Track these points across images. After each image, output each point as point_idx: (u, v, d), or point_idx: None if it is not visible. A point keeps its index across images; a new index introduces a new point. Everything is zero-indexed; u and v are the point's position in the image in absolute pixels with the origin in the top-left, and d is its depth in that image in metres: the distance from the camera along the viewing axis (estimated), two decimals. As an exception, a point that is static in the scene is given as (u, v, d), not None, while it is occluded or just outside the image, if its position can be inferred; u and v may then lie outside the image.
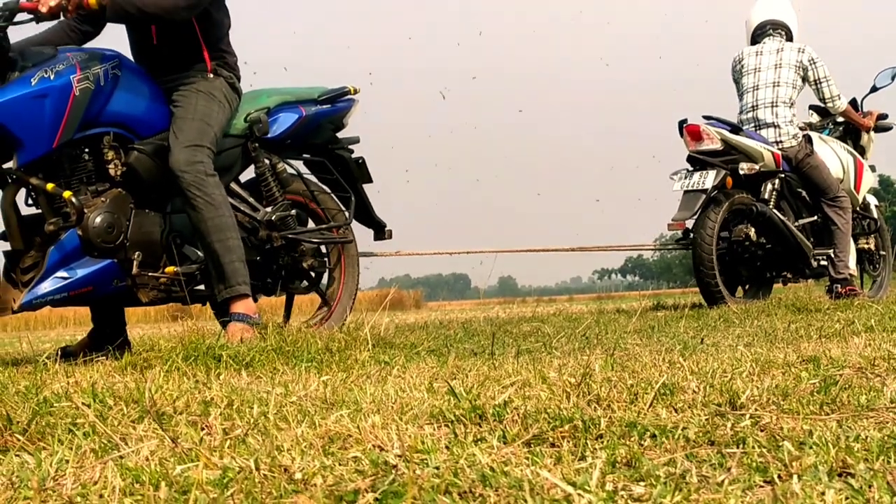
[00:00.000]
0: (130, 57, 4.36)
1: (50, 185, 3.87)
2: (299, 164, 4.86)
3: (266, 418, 1.90)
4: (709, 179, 6.76)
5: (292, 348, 3.37)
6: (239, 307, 4.05)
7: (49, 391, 2.20)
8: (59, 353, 4.16)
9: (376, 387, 2.40)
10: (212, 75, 4.30)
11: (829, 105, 7.38)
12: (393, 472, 1.35)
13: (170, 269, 4.17)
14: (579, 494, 1.16)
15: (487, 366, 2.84)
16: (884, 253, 8.19)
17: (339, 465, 1.45)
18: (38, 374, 2.82)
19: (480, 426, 1.77)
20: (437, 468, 1.38)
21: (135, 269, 4.06)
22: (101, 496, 1.34)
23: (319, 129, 4.80)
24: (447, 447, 1.59)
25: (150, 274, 4.13)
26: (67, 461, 1.55)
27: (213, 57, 4.34)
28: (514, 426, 1.73)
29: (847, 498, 1.18)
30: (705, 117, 7.13)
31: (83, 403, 2.00)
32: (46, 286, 3.86)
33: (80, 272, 3.92)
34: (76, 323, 14.06)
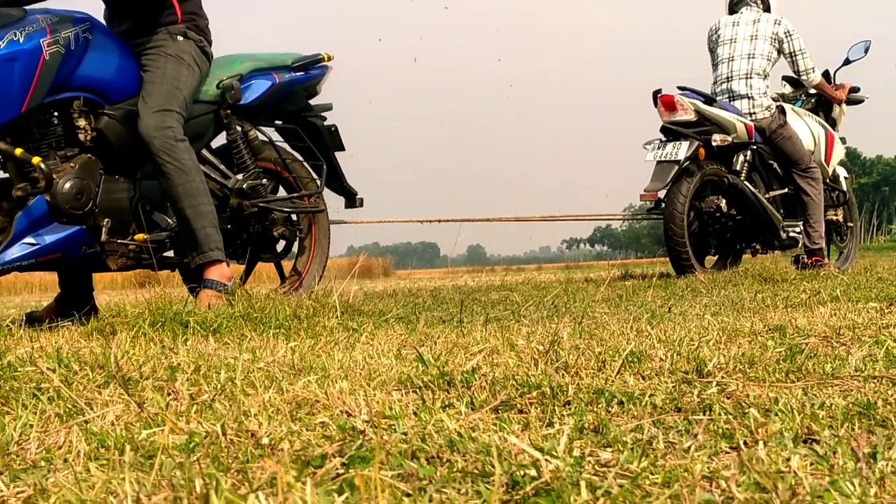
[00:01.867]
0: (102, 19, 4.29)
1: (18, 151, 3.79)
2: (271, 132, 4.84)
3: (233, 384, 1.89)
4: (682, 150, 6.77)
5: (260, 315, 3.36)
6: (212, 273, 4.01)
7: (13, 356, 2.18)
8: (25, 318, 4.12)
9: (344, 353, 2.40)
10: (181, 38, 4.24)
11: (804, 78, 7.41)
12: (360, 437, 1.34)
13: (139, 236, 4.12)
14: (547, 460, 1.16)
15: (456, 333, 2.85)
16: (851, 224, 8.26)
17: (307, 430, 1.45)
18: (1, 339, 2.79)
19: (448, 392, 1.78)
20: (405, 434, 1.38)
21: (104, 236, 4.01)
22: (65, 460, 1.33)
23: (293, 97, 4.78)
24: (415, 413, 1.59)
25: (119, 241, 4.08)
26: (31, 426, 1.54)
27: (185, 19, 4.28)
28: (482, 393, 1.73)
29: (812, 464, 1.19)
30: (680, 88, 7.14)
31: (48, 368, 1.99)
32: (14, 252, 3.80)
33: (49, 238, 3.87)
34: (41, 289, 13.96)
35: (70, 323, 3.60)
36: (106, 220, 4.02)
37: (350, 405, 1.61)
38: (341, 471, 1.19)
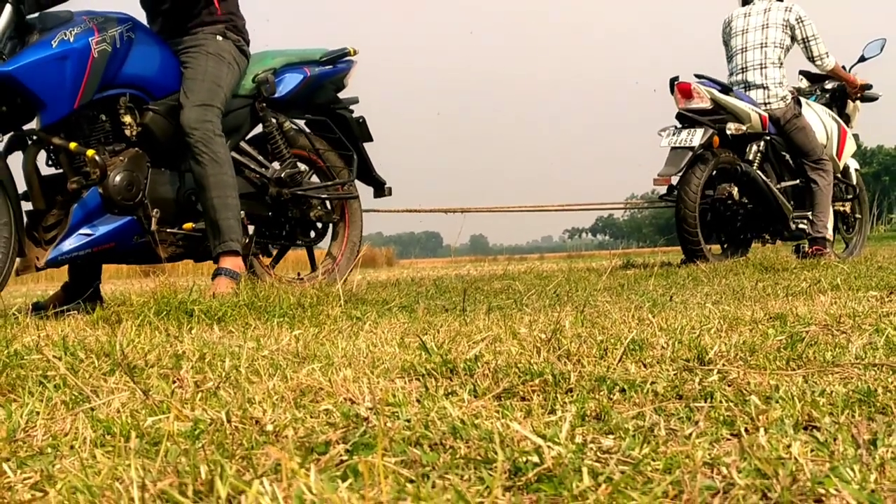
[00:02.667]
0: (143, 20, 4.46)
1: (73, 145, 3.96)
2: (302, 124, 5.01)
3: (238, 371, 1.90)
4: (696, 137, 6.81)
5: (264, 303, 3.37)
6: (228, 263, 4.14)
7: (20, 344, 2.20)
8: (31, 307, 4.15)
9: (348, 341, 2.41)
10: (220, 37, 4.40)
11: (818, 63, 7.40)
12: (364, 424, 1.35)
13: (187, 225, 4.29)
14: (549, 446, 1.17)
15: (459, 322, 2.86)
16: (859, 216, 8.25)
17: (311, 417, 1.46)
18: (8, 328, 2.80)
19: (451, 380, 1.78)
20: (408, 421, 1.38)
21: (153, 226, 4.16)
22: (71, 447, 1.34)
23: (322, 90, 4.95)
24: (418, 400, 1.59)
25: (167, 230, 4.24)
26: (38, 413, 1.55)
27: (224, 19, 4.45)
28: (484, 380, 1.74)
29: (812, 450, 1.20)
30: (697, 76, 7.16)
31: (54, 356, 2.00)
32: (71, 243, 3.96)
33: (103, 229, 4.03)
34: (48, 278, 13.97)
35: (75, 311, 3.62)
36: (155, 210, 4.19)
37: (353, 392, 1.62)
38: (345, 457, 1.20)
